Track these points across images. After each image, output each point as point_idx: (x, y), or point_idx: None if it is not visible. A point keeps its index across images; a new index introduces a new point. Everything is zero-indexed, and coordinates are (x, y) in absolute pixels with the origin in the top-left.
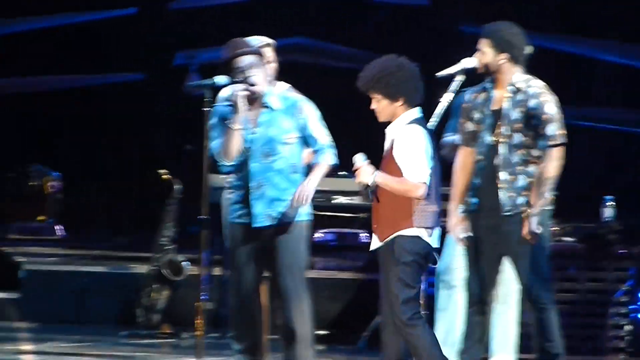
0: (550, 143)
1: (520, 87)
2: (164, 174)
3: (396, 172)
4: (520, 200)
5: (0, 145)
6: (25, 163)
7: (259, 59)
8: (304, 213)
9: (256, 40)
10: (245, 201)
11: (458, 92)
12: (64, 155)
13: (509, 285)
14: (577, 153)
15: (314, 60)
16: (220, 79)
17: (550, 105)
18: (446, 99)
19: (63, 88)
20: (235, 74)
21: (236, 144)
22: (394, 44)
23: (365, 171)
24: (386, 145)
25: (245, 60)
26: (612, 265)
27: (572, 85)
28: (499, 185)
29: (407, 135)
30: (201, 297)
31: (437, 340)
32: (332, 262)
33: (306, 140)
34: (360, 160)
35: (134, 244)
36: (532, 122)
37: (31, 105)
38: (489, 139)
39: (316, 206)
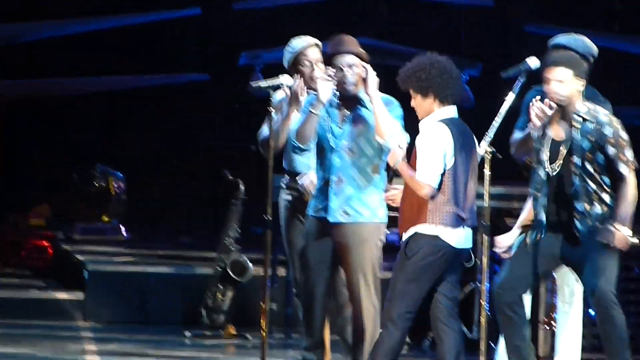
0: (631, 168)
1: (587, 117)
2: (228, 174)
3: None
4: (596, 225)
5: (65, 145)
6: (89, 163)
7: (359, 60)
8: (381, 215)
9: (303, 42)
10: (324, 194)
11: (523, 92)
12: (128, 156)
13: (573, 284)
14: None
15: (379, 61)
16: (286, 79)
17: (623, 131)
18: (509, 98)
19: (128, 88)
20: (336, 70)
21: (312, 129)
22: (458, 44)
23: (395, 154)
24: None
25: (347, 59)
26: None
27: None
28: (576, 217)
29: (426, 134)
30: (265, 298)
31: (397, 353)
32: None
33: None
34: (402, 141)
35: (198, 245)
36: (609, 150)
37: (96, 106)
38: (546, 171)
39: (387, 206)
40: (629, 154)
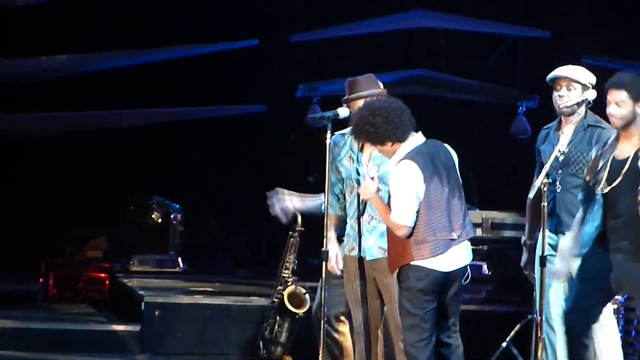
0: None
1: None
2: None
3: None
4: None
5: (122, 177)
6: (147, 195)
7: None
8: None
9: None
10: (358, 233)
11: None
12: (185, 188)
13: (605, 308)
14: None
15: (437, 94)
16: (343, 111)
17: None
18: (569, 131)
19: (186, 120)
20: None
21: None
22: (515, 76)
23: (367, 187)
24: None
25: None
26: None
27: None
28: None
29: (394, 176)
30: (321, 329)
31: None
32: None
33: None
34: (373, 171)
35: (255, 276)
36: None
37: (154, 137)
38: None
39: None
40: None
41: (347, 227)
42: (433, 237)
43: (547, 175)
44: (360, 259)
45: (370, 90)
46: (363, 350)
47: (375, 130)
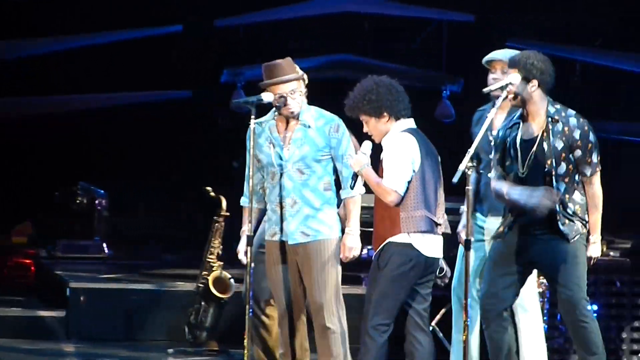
0: (597, 169)
1: (557, 117)
2: (211, 190)
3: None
4: (575, 225)
5: (47, 163)
6: (72, 181)
7: (300, 83)
8: (337, 230)
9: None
10: (280, 218)
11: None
12: (110, 174)
13: (528, 292)
14: (625, 168)
15: (360, 77)
16: (267, 96)
17: (592, 134)
18: (491, 114)
19: (111, 105)
20: (275, 99)
21: None
22: (440, 60)
23: (359, 159)
24: (382, 157)
25: (284, 87)
26: None
27: (620, 100)
28: (557, 218)
29: (393, 143)
30: (247, 314)
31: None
32: None
33: (335, 160)
34: (366, 147)
35: (181, 262)
36: (576, 152)
37: (78, 123)
38: (521, 170)
39: (363, 222)
40: (595, 157)
41: (268, 212)
42: (422, 211)
43: (472, 159)
44: (283, 244)
45: (289, 75)
46: (287, 335)
47: (378, 99)
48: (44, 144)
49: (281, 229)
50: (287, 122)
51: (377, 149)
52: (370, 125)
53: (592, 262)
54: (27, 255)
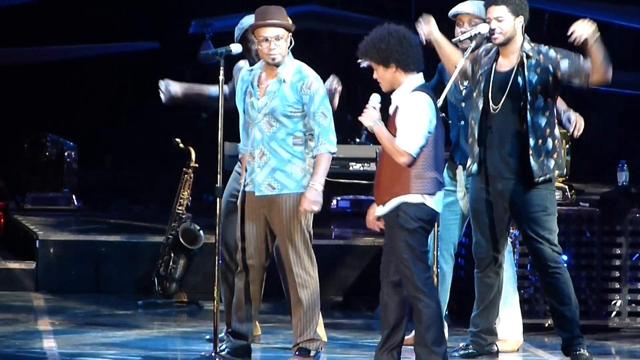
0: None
1: (531, 54)
2: (180, 142)
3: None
4: (551, 163)
5: (16, 115)
6: (41, 133)
7: (286, 33)
8: (305, 185)
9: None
10: (252, 169)
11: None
12: (79, 125)
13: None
14: (594, 117)
15: (330, 28)
16: (235, 47)
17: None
18: (460, 64)
19: (78, 57)
20: (258, 42)
21: None
22: (409, 10)
23: (371, 114)
24: (390, 111)
25: (271, 31)
26: (627, 229)
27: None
28: (529, 153)
29: (411, 103)
30: (217, 266)
31: (441, 311)
32: (348, 229)
33: (308, 116)
34: (374, 100)
35: (150, 214)
36: (562, 63)
37: (47, 75)
38: (488, 104)
39: (332, 173)
40: (581, 56)
41: (248, 163)
42: (432, 173)
43: (440, 109)
44: (252, 194)
45: (275, 20)
46: (243, 286)
47: (387, 49)
48: (12, 96)
49: (252, 180)
50: (269, 74)
51: (385, 101)
52: (379, 72)
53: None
54: None
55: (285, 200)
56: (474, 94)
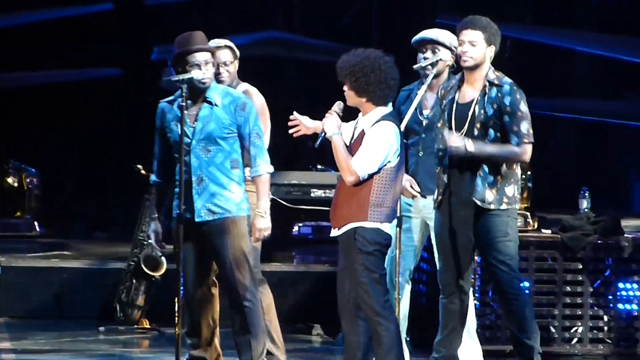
0: (525, 140)
1: (496, 82)
2: (141, 168)
3: None
4: (491, 197)
5: None
6: (2, 159)
7: (212, 56)
8: (245, 207)
9: (214, 43)
10: (187, 196)
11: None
12: (41, 152)
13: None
14: (555, 144)
15: (291, 55)
16: (196, 74)
17: (523, 104)
18: (421, 91)
19: (41, 83)
20: (189, 68)
21: None
22: (370, 36)
23: (333, 122)
24: (355, 132)
25: (200, 56)
26: (589, 255)
27: (551, 76)
28: (478, 175)
29: (377, 130)
30: (179, 292)
31: (400, 335)
32: (310, 255)
33: (242, 138)
34: (338, 107)
35: (112, 240)
36: (505, 118)
37: (8, 101)
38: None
39: (294, 200)
40: (524, 127)
41: (176, 190)
42: (390, 203)
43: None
44: (190, 221)
45: (202, 44)
46: (194, 313)
47: (365, 82)
48: None
49: (189, 207)
50: (194, 98)
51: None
52: (348, 94)
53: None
54: None
55: (226, 224)
56: (439, 124)
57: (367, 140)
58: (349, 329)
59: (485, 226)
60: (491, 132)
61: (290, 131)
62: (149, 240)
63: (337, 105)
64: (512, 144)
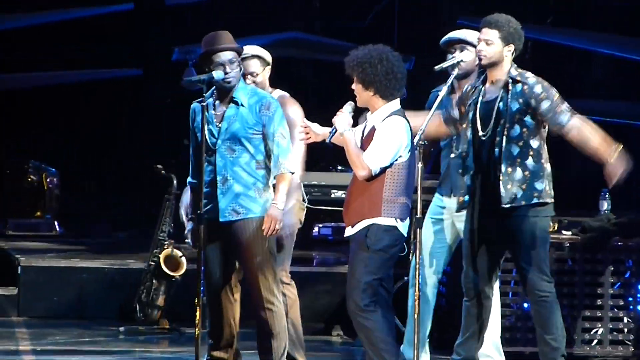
0: (574, 113)
1: (519, 79)
2: (162, 169)
3: None
4: (520, 193)
5: None
6: (23, 159)
7: (237, 55)
8: (269, 206)
9: (244, 51)
10: (212, 196)
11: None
12: (61, 151)
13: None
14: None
15: (308, 55)
16: (217, 74)
17: (553, 88)
18: (442, 92)
19: (62, 83)
20: (214, 68)
21: None
22: (391, 37)
23: (344, 119)
24: (364, 129)
25: (225, 55)
26: (609, 257)
27: (567, 77)
28: (500, 179)
29: (389, 125)
30: (199, 292)
31: (393, 328)
32: (330, 256)
33: (266, 137)
34: (349, 108)
35: (133, 240)
36: (542, 107)
37: (30, 101)
38: (477, 133)
39: (314, 201)
40: (564, 104)
41: (205, 190)
42: (403, 198)
43: (422, 138)
44: (215, 222)
45: (227, 44)
46: (216, 313)
47: (373, 74)
48: None
49: (214, 207)
50: (222, 98)
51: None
52: (357, 88)
53: (618, 176)
54: None
55: (250, 224)
56: (464, 124)
57: (378, 135)
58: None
59: (515, 227)
60: (517, 127)
61: (299, 138)
62: (187, 241)
63: (349, 105)
64: (564, 123)
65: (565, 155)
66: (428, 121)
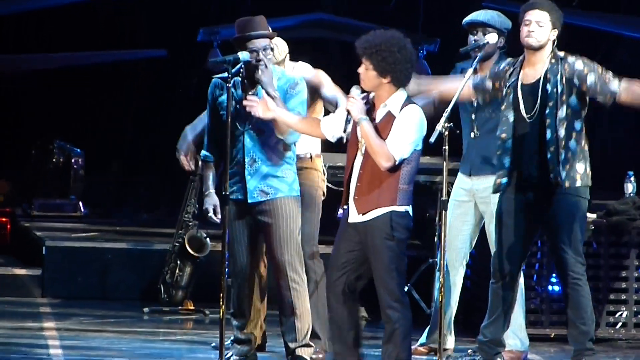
0: (620, 78)
1: (558, 63)
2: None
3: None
4: (564, 174)
5: (24, 121)
6: (48, 139)
7: (270, 41)
8: (296, 188)
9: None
10: (239, 176)
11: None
12: (87, 132)
13: None
14: (600, 129)
15: (336, 36)
16: (243, 55)
17: (594, 63)
18: (467, 74)
19: (86, 64)
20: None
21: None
22: (417, 20)
23: (359, 106)
24: (378, 115)
25: (259, 42)
26: (634, 240)
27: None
28: (545, 161)
29: (411, 114)
30: (223, 273)
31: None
32: None
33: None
34: (357, 92)
35: (157, 221)
36: (589, 80)
37: (55, 82)
38: (520, 115)
39: (339, 182)
40: (610, 73)
41: (231, 170)
42: (411, 187)
43: (448, 120)
44: (243, 202)
45: (263, 30)
46: (239, 294)
47: (393, 62)
48: (20, 102)
49: (241, 188)
50: (251, 81)
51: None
52: (369, 74)
53: None
54: (3, 214)
55: (278, 204)
56: (502, 107)
57: (401, 125)
58: (339, 309)
59: (555, 207)
60: (563, 109)
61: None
62: (209, 214)
63: (357, 89)
64: (616, 90)
65: (589, 137)
66: (453, 105)
